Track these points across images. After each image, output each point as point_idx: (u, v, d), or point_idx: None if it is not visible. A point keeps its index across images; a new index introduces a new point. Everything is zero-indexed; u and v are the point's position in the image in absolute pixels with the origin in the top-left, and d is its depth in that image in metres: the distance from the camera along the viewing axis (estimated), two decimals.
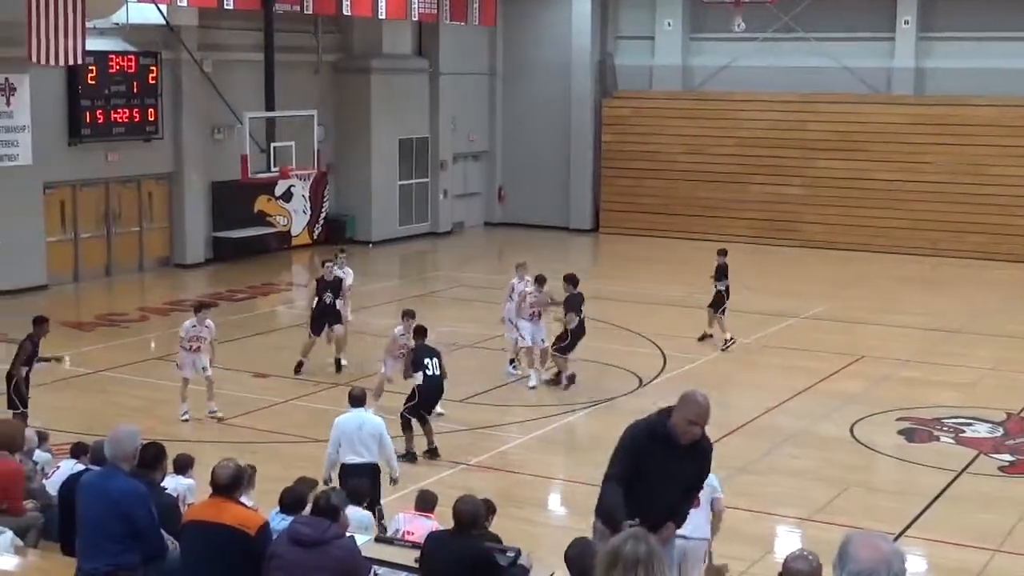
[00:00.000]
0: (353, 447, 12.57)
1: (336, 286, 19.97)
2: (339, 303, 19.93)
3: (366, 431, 12.63)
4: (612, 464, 7.91)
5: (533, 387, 19.21)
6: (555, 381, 19.40)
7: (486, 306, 23.91)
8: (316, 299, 19.95)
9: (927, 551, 13.03)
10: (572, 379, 19.34)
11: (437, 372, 15.71)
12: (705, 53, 35.65)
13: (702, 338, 22.19)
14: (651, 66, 36.09)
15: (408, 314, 17.25)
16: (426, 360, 15.65)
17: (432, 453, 15.70)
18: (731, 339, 21.83)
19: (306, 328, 20.14)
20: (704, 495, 9.71)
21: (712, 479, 9.85)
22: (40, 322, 16.14)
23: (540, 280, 19.65)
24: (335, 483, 12.03)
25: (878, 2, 33.04)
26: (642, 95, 36.04)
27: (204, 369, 17.22)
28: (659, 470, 7.80)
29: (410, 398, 15.76)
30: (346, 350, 20.21)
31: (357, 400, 12.95)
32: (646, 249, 33.15)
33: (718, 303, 21.99)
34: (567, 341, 19.15)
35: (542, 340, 19.49)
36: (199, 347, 17.28)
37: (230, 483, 8.04)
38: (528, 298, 19.45)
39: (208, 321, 17.54)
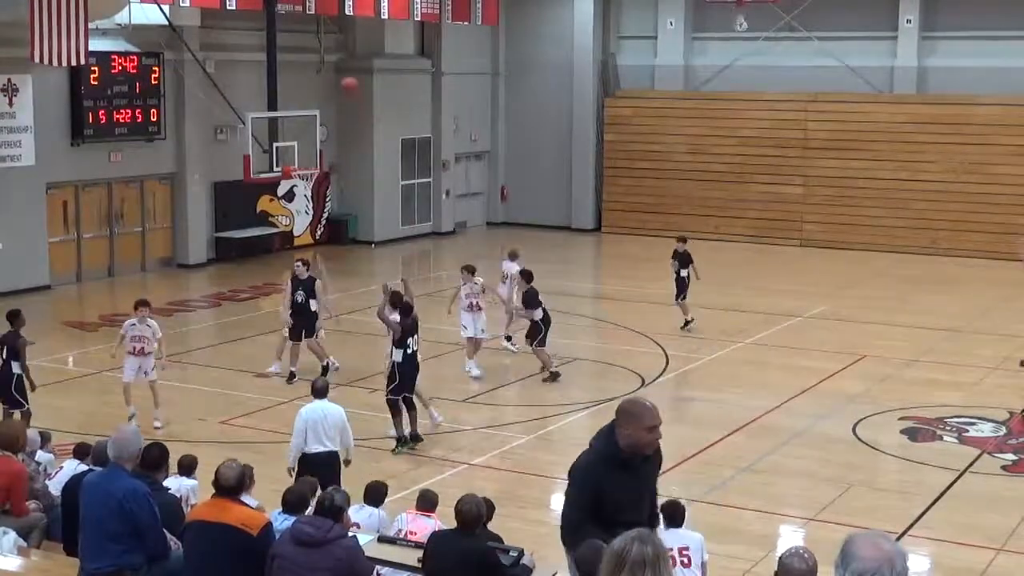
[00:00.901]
0: (319, 437, 12.92)
1: (309, 285, 19.49)
2: (313, 304, 19.42)
3: (330, 421, 12.98)
4: (574, 509, 7.48)
5: (477, 376, 19.50)
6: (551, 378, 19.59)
7: (489, 306, 23.86)
8: (290, 298, 19.51)
9: (930, 551, 13.02)
10: (555, 376, 19.53)
11: (415, 348, 15.93)
12: (707, 53, 35.64)
13: (685, 326, 22.80)
14: (653, 66, 36.09)
15: (468, 269, 19.20)
16: (409, 339, 15.79)
17: (414, 439, 15.82)
18: (691, 319, 22.84)
19: (284, 331, 19.63)
20: (695, 556, 9.70)
21: (699, 539, 9.87)
22: (17, 315, 15.98)
23: (469, 269, 20.17)
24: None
25: (880, 1, 33.02)
26: (644, 95, 36.04)
27: (146, 374, 16.82)
28: (625, 490, 7.45)
29: (391, 379, 15.86)
30: (328, 352, 19.96)
31: (320, 391, 13.29)
32: (648, 248, 33.11)
33: (682, 289, 22.92)
34: (541, 334, 19.54)
35: (482, 330, 19.99)
36: (143, 348, 16.88)
37: (234, 484, 8.07)
38: (463, 290, 20.02)
39: (150, 320, 17.17)
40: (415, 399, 16.11)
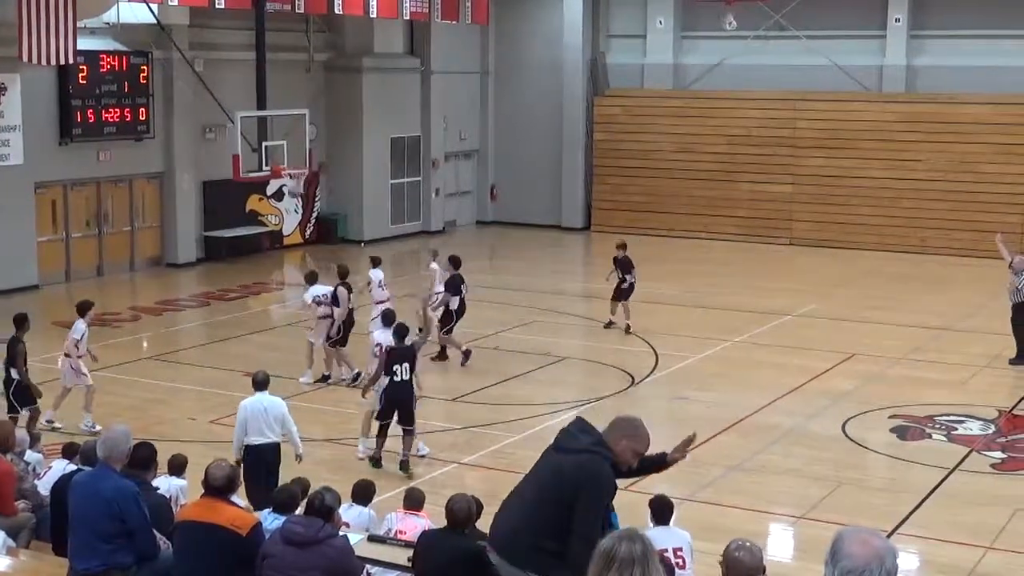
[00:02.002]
0: (259, 429, 13.16)
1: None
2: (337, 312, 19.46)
3: (271, 414, 13.21)
4: (597, 524, 7.02)
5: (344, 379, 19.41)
6: (440, 357, 20.44)
7: (477, 305, 23.86)
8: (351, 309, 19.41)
9: (919, 548, 13.05)
10: (443, 356, 20.47)
11: (406, 378, 15.12)
12: (696, 51, 35.67)
13: (608, 325, 23.02)
14: (643, 64, 36.12)
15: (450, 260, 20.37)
16: (396, 367, 15.06)
17: (403, 467, 15.15)
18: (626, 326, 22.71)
19: (323, 339, 19.30)
20: (687, 556, 9.67)
21: (689, 538, 9.83)
22: (22, 320, 16.04)
23: (375, 261, 21.24)
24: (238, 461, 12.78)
25: (869, 0, 33.08)
26: (634, 93, 36.07)
27: (85, 376, 16.78)
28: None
29: (379, 402, 15.36)
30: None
31: (260, 384, 13.47)
32: (638, 247, 32.95)
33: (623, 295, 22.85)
34: (452, 322, 20.35)
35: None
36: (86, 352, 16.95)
37: (223, 484, 8.05)
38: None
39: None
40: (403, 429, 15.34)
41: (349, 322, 19.40)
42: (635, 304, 23.01)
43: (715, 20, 32.84)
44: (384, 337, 15.94)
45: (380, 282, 20.74)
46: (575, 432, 7.26)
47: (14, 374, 15.63)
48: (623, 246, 23.27)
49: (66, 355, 16.84)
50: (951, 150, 32.07)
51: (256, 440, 13.16)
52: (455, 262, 20.79)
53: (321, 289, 19.67)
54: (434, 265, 21.82)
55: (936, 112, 32.34)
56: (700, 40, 35.52)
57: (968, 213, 31.81)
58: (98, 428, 16.20)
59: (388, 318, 16.43)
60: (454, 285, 20.46)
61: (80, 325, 16.93)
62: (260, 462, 12.99)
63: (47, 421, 16.47)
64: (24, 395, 15.70)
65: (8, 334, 16.13)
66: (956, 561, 12.70)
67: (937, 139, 32.22)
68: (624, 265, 22.88)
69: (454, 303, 20.26)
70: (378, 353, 15.81)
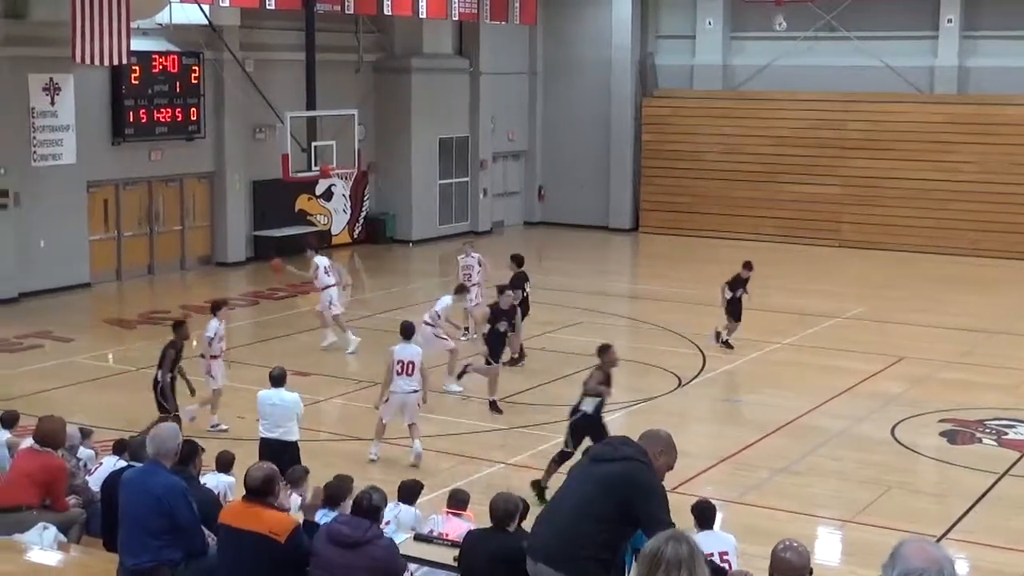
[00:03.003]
0: (274, 423, 13.55)
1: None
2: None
3: (281, 409, 13.55)
4: (666, 509, 7.29)
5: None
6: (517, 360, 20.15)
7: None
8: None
9: (969, 554, 12.93)
10: (516, 362, 20.07)
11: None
12: (746, 52, 35.53)
13: (722, 342, 21.85)
14: (692, 65, 36.01)
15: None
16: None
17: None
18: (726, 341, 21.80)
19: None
20: (733, 560, 9.66)
21: (734, 541, 9.84)
22: (180, 326, 16.04)
23: (313, 246, 22.30)
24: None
25: (921, 1, 32.81)
26: (682, 94, 35.95)
27: (213, 379, 16.82)
28: None
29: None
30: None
31: (276, 380, 13.73)
32: (686, 248, 33.09)
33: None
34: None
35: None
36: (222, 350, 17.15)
37: (259, 486, 8.02)
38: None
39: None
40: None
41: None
42: (683, 306, 22.97)
43: (765, 21, 32.71)
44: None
45: (326, 268, 21.44)
46: (616, 444, 7.46)
47: (159, 376, 15.68)
48: (749, 266, 22.00)
49: (201, 355, 16.93)
50: (1002, 152, 31.76)
51: (269, 434, 13.48)
52: (518, 260, 20.75)
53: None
54: (469, 258, 22.09)
55: (987, 114, 32.03)
56: (749, 41, 35.37)
57: (1019, 215, 31.49)
58: (224, 427, 16.50)
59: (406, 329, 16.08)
60: (517, 284, 20.32)
61: (213, 323, 16.84)
62: (272, 457, 12.70)
63: (212, 426, 16.44)
64: (167, 398, 15.65)
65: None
66: (1005, 566, 12.59)
67: (988, 141, 31.91)
68: (746, 284, 21.76)
69: (516, 298, 19.81)
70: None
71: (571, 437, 14.05)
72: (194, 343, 17.52)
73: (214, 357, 16.77)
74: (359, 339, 21.05)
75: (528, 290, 20.86)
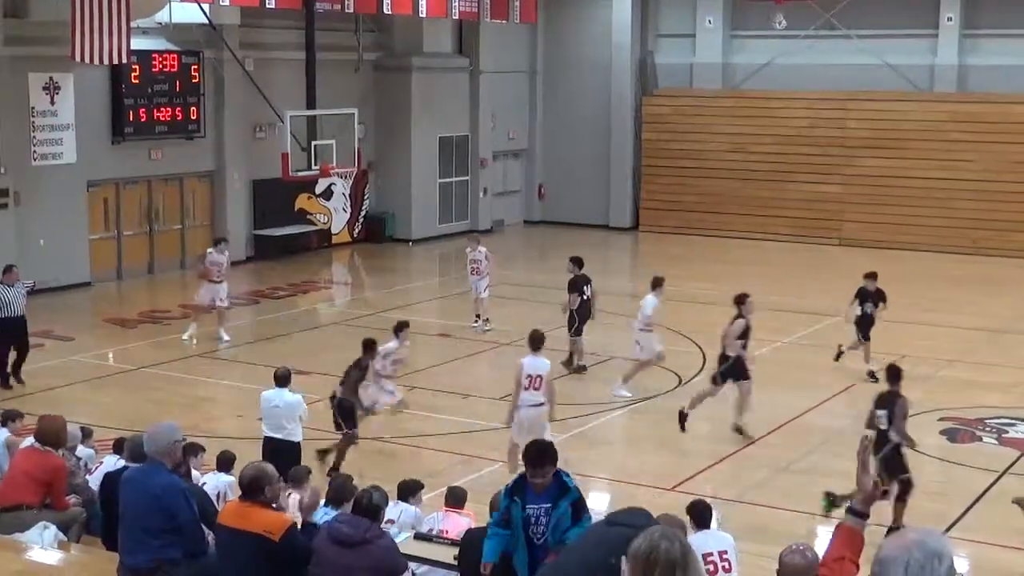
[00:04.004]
0: (277, 424, 13.51)
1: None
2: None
3: (284, 410, 13.50)
4: None
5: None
6: (568, 363, 19.89)
7: (527, 305, 23.91)
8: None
9: (969, 552, 12.92)
10: (581, 369, 19.85)
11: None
12: (746, 51, 35.52)
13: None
14: (692, 64, 36.00)
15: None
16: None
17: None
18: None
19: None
20: (732, 559, 9.65)
21: (732, 541, 9.81)
22: (370, 347, 15.43)
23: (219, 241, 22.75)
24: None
25: None
26: (683, 93, 35.94)
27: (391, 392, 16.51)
28: None
29: None
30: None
31: (280, 380, 13.70)
32: (686, 247, 33.06)
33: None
34: (575, 323, 19.92)
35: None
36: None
37: (248, 485, 8.02)
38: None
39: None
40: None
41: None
42: (683, 304, 22.90)
43: (765, 19, 32.68)
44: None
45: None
46: (632, 512, 7.13)
47: (340, 392, 15.18)
48: (872, 276, 20.50)
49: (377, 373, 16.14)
50: (1004, 150, 31.75)
51: (273, 433, 13.48)
52: (578, 262, 20.41)
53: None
54: (476, 252, 22.76)
55: (988, 112, 32.02)
56: (749, 39, 35.36)
57: (1021, 214, 31.47)
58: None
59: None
60: (576, 286, 20.06)
61: (392, 344, 16.16)
62: (274, 457, 12.54)
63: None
64: (350, 415, 15.18)
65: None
66: (1006, 565, 12.58)
67: (990, 139, 31.89)
68: (874, 296, 20.23)
69: (575, 303, 19.86)
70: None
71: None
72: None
73: (387, 377, 16.11)
74: None
75: (588, 293, 20.32)
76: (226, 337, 21.74)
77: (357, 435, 15.10)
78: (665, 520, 7.22)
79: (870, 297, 20.11)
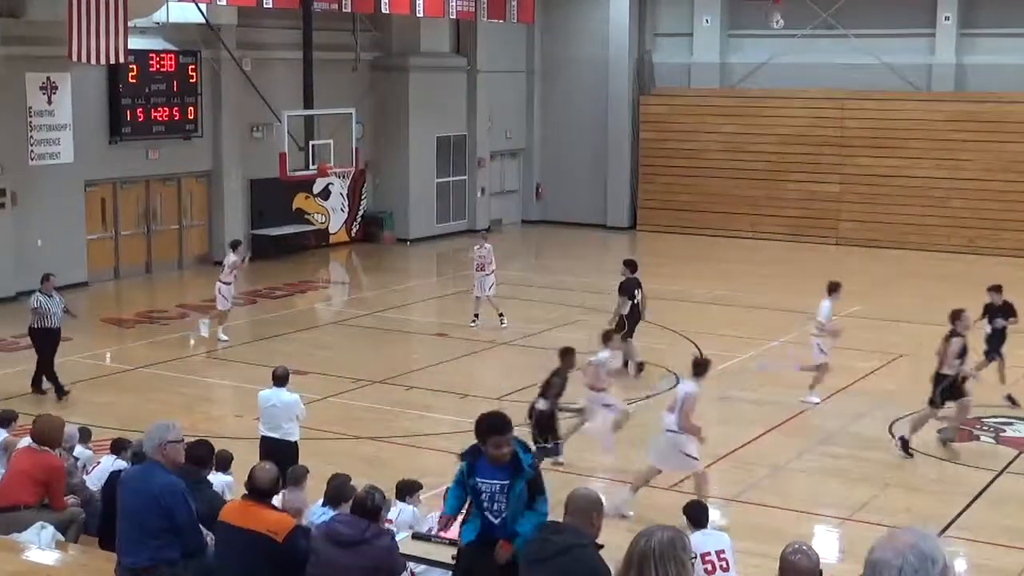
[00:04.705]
0: (275, 423, 13.52)
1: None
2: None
3: (281, 409, 13.50)
4: None
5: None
6: (625, 367, 19.56)
7: (524, 304, 23.91)
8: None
9: (966, 551, 12.93)
10: (640, 367, 19.63)
11: None
12: (743, 50, 35.53)
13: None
14: (689, 63, 36.01)
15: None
16: None
17: None
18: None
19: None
20: (730, 558, 9.64)
21: (729, 540, 9.81)
22: (567, 354, 14.91)
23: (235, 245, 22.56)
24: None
25: None
26: (680, 92, 35.95)
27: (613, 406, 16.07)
28: None
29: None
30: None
31: (279, 379, 13.70)
32: (684, 246, 33.07)
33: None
34: (625, 327, 19.52)
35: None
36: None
37: (267, 488, 8.06)
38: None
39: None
40: None
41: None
42: (681, 303, 22.89)
43: (762, 18, 32.69)
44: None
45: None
46: (545, 536, 6.71)
47: (541, 404, 14.60)
48: (996, 289, 19.24)
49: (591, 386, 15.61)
50: (1000, 150, 31.78)
51: (270, 433, 13.50)
52: (631, 266, 20.20)
53: None
54: (483, 248, 23.03)
55: (985, 111, 32.04)
56: (747, 39, 35.37)
57: (1018, 213, 31.51)
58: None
59: None
60: (628, 289, 19.80)
61: (604, 354, 15.64)
62: (271, 456, 12.76)
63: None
64: (549, 428, 14.67)
65: None
66: (1004, 564, 12.59)
67: (986, 139, 31.92)
68: (1003, 310, 18.91)
69: (625, 308, 19.60)
70: None
71: None
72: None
73: (602, 390, 15.53)
74: None
75: (639, 296, 20.08)
76: (224, 337, 21.73)
77: (561, 450, 14.47)
78: (576, 511, 6.68)
79: (999, 312, 18.73)
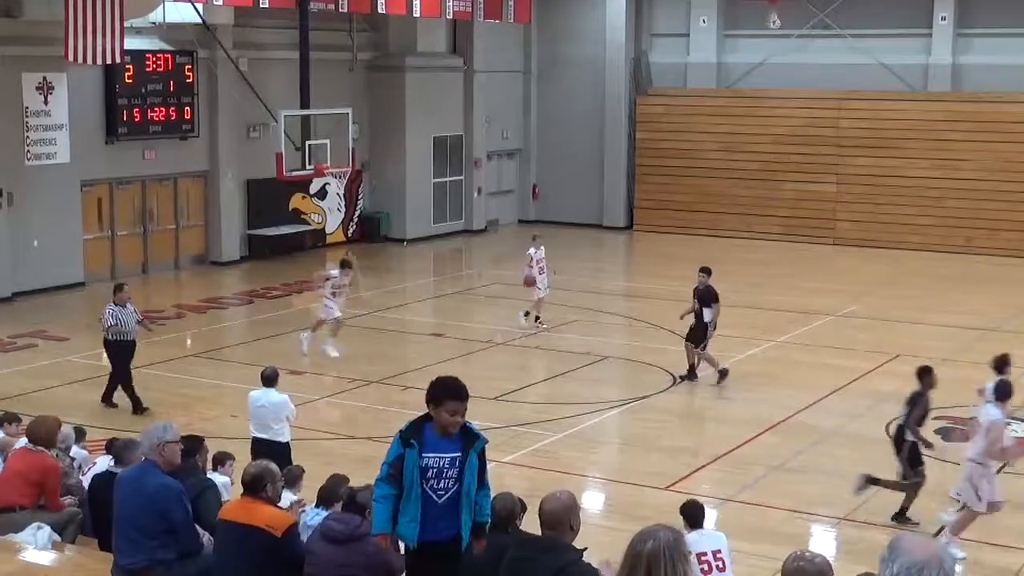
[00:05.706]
0: (263, 424, 13.52)
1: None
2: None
3: (270, 411, 13.50)
4: None
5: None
6: (690, 376, 19.46)
7: (521, 304, 23.88)
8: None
9: (966, 552, 12.92)
10: (724, 373, 19.40)
11: None
12: (740, 50, 35.54)
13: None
14: (686, 63, 36.02)
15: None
16: None
17: None
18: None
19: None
20: (727, 558, 9.62)
21: (725, 540, 9.78)
22: (926, 374, 13.91)
23: (344, 264, 21.82)
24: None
25: None
26: (676, 92, 35.96)
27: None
28: None
29: None
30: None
31: (267, 380, 13.73)
32: (680, 246, 33.07)
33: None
34: (706, 337, 19.34)
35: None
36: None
37: (252, 483, 8.06)
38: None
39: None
40: None
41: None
42: (677, 304, 22.83)
43: (758, 18, 32.72)
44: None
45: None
46: (533, 556, 6.36)
47: (908, 435, 13.78)
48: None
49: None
50: (997, 149, 31.80)
51: (260, 434, 13.49)
52: (707, 272, 19.78)
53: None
54: (538, 251, 22.91)
55: (982, 111, 32.06)
56: (743, 39, 35.38)
57: (1014, 213, 31.54)
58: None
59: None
60: (711, 295, 19.43)
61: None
62: (262, 457, 12.73)
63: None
64: (918, 459, 13.82)
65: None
66: (1002, 564, 12.61)
67: (983, 138, 31.94)
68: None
69: (707, 315, 19.32)
70: None
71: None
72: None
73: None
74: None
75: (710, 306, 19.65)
76: (335, 353, 20.71)
77: (923, 479, 13.85)
78: (552, 522, 6.41)
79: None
